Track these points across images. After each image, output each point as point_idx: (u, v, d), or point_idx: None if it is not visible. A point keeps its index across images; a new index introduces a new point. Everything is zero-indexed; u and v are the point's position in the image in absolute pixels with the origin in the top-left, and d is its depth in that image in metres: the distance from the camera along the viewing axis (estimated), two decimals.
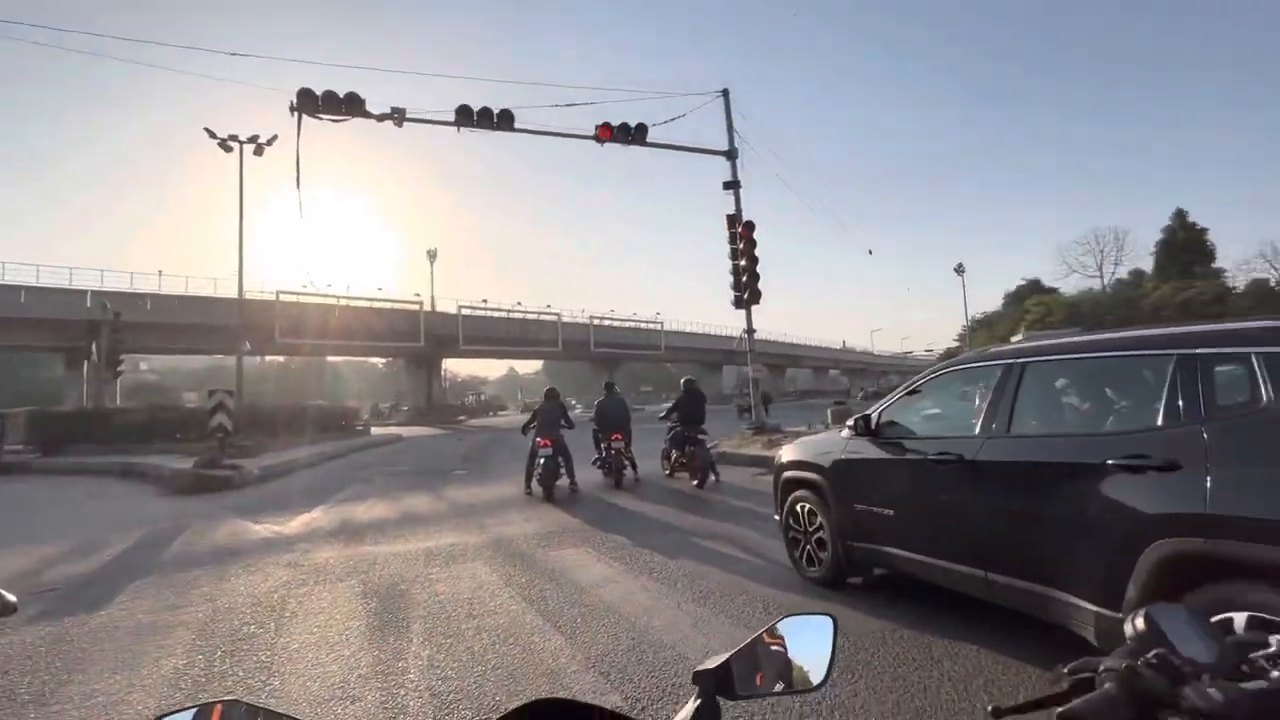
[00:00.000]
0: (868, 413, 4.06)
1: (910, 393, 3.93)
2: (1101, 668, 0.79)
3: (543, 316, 50.11)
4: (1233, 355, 2.37)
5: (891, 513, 3.73)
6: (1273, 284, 39.90)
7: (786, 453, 4.93)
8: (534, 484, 8.97)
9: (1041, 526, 2.85)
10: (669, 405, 10.73)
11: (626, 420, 10.05)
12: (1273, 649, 0.98)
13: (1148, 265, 47.51)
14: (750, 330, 13.52)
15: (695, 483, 9.09)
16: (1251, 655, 0.95)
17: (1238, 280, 42.05)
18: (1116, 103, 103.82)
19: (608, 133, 12.66)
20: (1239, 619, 2.16)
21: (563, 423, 9.41)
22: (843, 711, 2.69)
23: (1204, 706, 0.82)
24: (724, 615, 3.94)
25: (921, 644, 3.29)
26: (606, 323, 54.40)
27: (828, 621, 0.92)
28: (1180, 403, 2.45)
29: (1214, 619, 2.21)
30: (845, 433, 4.22)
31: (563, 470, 9.06)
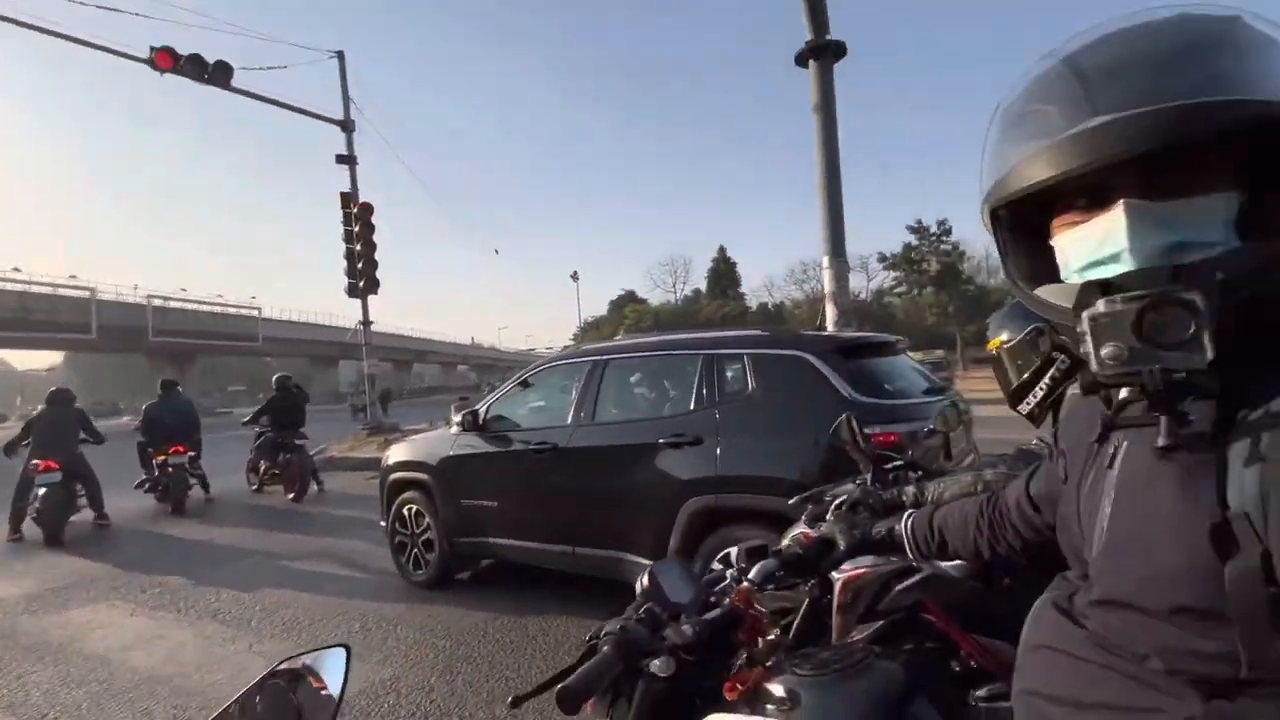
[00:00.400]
0: (475, 408, 4.10)
1: (521, 385, 4.12)
2: (604, 631, 0.88)
3: (62, 290, 36.37)
4: (734, 355, 3.16)
5: (496, 504, 3.85)
6: (770, 306, 56.85)
7: (394, 453, 4.62)
8: (25, 525, 6.38)
9: (614, 501, 3.32)
10: (256, 409, 8.95)
11: (193, 428, 8.02)
12: (726, 581, 1.28)
13: (704, 285, 62.10)
14: (366, 322, 12.39)
15: (291, 495, 7.82)
16: (715, 589, 1.23)
17: (752, 301, 58.60)
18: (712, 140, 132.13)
19: (169, 61, 9.78)
20: (734, 551, 2.90)
21: (83, 436, 6.93)
22: (439, 713, 2.62)
23: (678, 641, 1.00)
24: (315, 643, 3.43)
25: (519, 627, 3.48)
26: (175, 305, 42.81)
27: (340, 653, 0.81)
28: (705, 391, 3.17)
29: (719, 556, 2.92)
30: (454, 429, 4.18)
31: (82, 501, 6.67)
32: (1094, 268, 0.58)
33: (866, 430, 1.96)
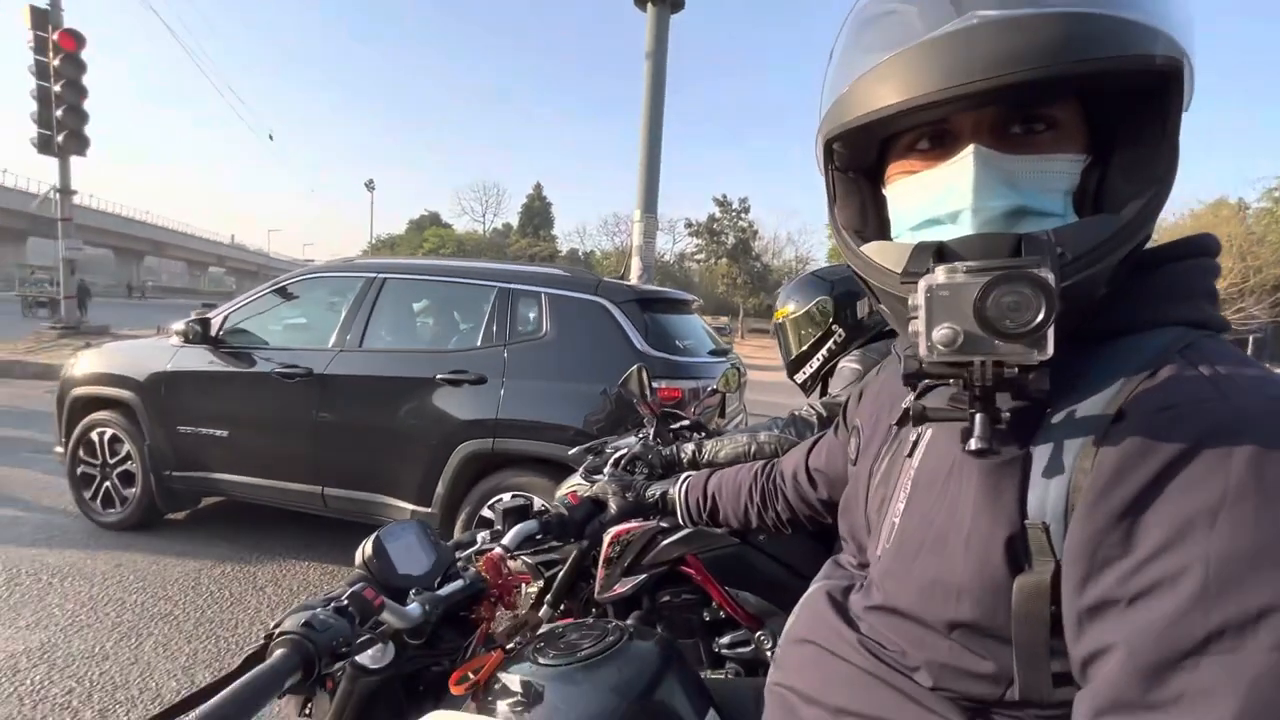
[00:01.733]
0: (207, 316, 3.33)
1: (277, 294, 3.41)
2: (279, 630, 0.65)
3: None
4: (531, 293, 2.94)
5: (226, 433, 3.19)
6: (580, 253, 56.81)
7: (83, 362, 3.59)
8: None
9: (376, 438, 2.94)
10: None
11: None
12: (476, 545, 1.12)
13: (516, 220, 59.60)
14: (64, 189, 9.44)
15: None
16: (459, 555, 1.05)
17: (564, 245, 57.94)
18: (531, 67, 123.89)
19: None
20: (505, 498, 2.76)
21: None
22: (112, 686, 2.09)
23: (400, 625, 0.80)
24: None
25: (244, 576, 2.96)
26: None
27: None
28: (495, 327, 2.91)
29: (490, 502, 2.75)
30: (175, 339, 3.35)
31: None
32: (929, 226, 0.51)
33: (655, 384, 1.94)
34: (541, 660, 0.76)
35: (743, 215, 40.90)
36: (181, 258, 67.43)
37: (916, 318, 0.45)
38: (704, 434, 1.67)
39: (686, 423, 1.72)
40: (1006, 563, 0.45)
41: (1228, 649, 0.34)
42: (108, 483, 3.42)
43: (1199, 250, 0.50)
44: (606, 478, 1.22)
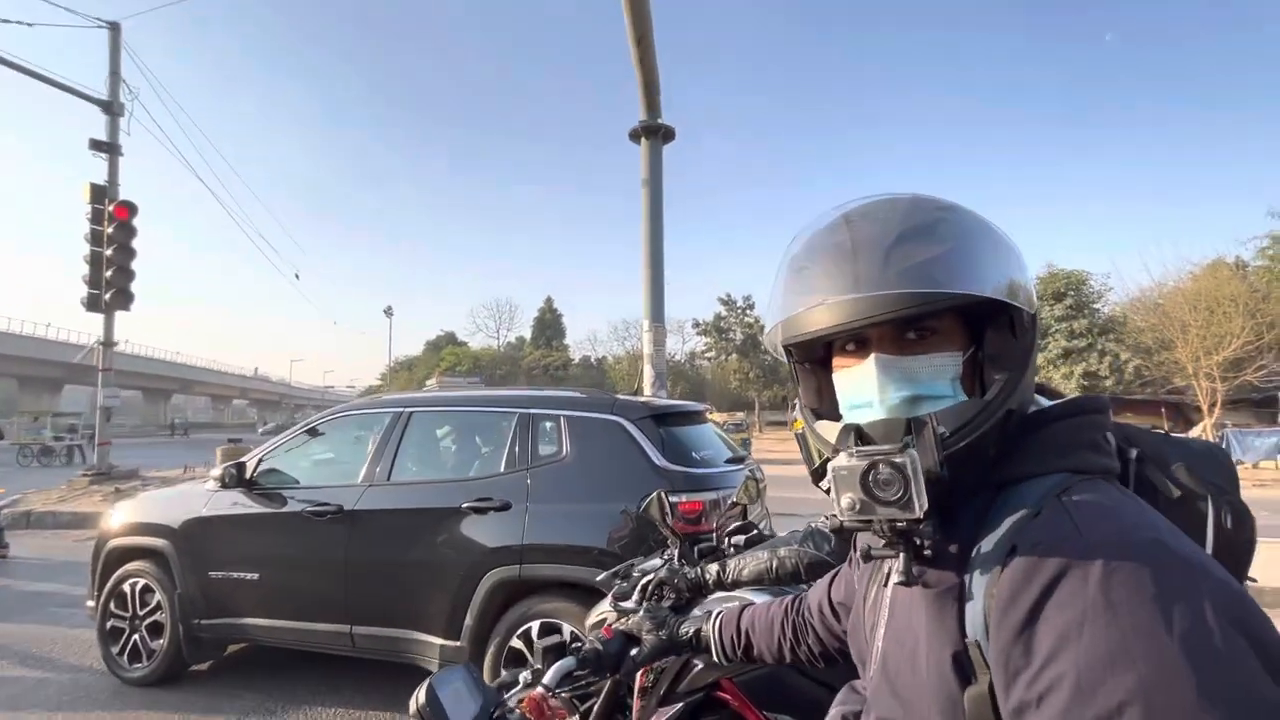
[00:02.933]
0: (241, 460, 3.46)
1: (308, 434, 3.58)
2: None
3: None
4: (550, 416, 3.08)
5: (257, 577, 3.22)
6: (593, 359, 58.04)
7: (120, 513, 3.70)
8: None
9: (405, 572, 2.96)
10: None
11: None
12: (519, 686, 1.16)
13: (529, 333, 61.50)
14: (108, 343, 10.06)
15: None
16: (505, 696, 1.09)
17: (575, 353, 59.31)
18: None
19: None
20: (535, 626, 2.73)
21: None
22: None
23: None
24: None
25: None
26: None
27: None
28: (517, 451, 3.02)
29: (518, 631, 2.72)
30: (210, 485, 3.48)
31: None
32: (856, 410, 0.67)
33: (674, 499, 2.01)
34: None
35: (748, 311, 41.95)
36: (207, 393, 69.57)
37: (833, 490, 0.60)
38: (730, 547, 1.70)
39: (710, 543, 1.76)
40: (956, 677, 0.55)
41: None
42: (136, 635, 3.41)
43: (1085, 409, 0.64)
44: (636, 608, 1.26)
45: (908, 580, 0.59)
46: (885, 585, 0.68)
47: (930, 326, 0.64)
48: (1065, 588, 0.49)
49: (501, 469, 3.00)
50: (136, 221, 9.95)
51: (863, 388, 0.65)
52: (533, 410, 3.10)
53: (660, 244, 7.27)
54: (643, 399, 3.36)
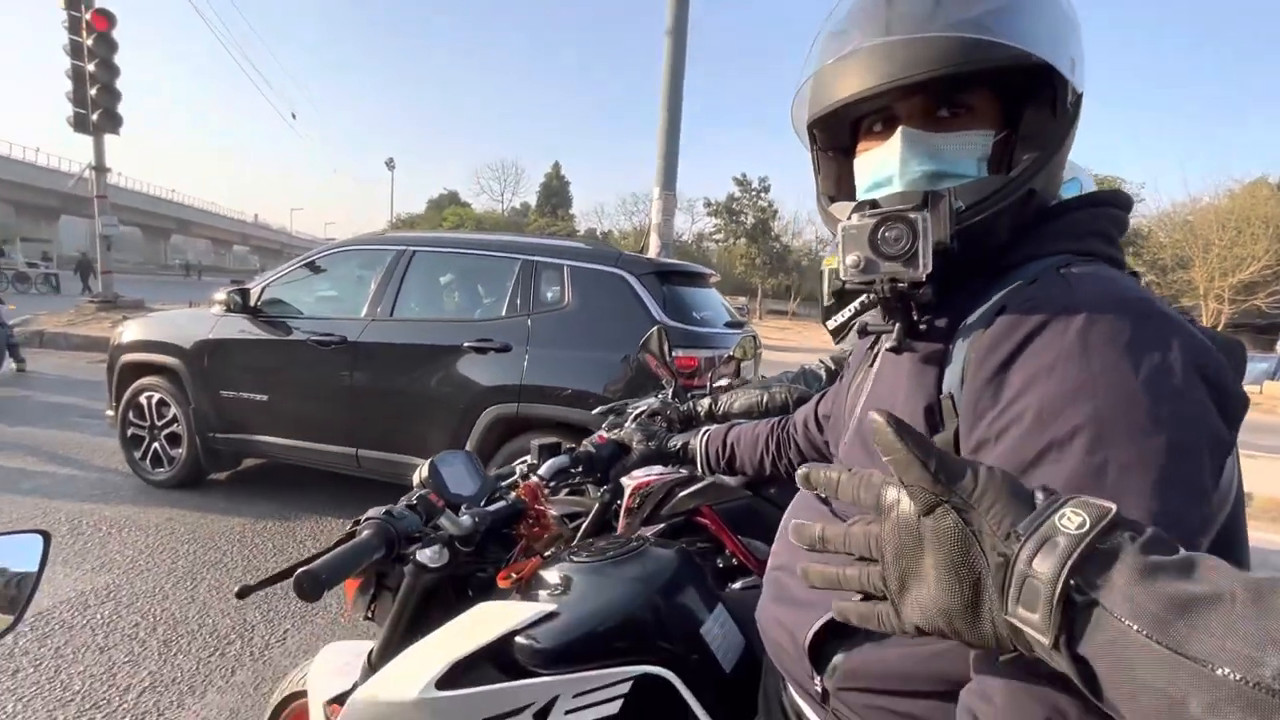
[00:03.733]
0: (246, 286, 3.49)
1: (308, 268, 3.58)
2: (365, 517, 0.78)
3: None
4: (554, 265, 3.06)
5: (266, 398, 3.38)
6: (598, 232, 56.85)
7: (131, 331, 3.79)
8: None
9: (408, 403, 3.10)
10: None
11: None
12: (515, 476, 1.25)
13: (534, 199, 59.64)
14: (99, 167, 9.73)
15: None
16: (502, 483, 1.18)
17: (581, 224, 58.02)
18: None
19: None
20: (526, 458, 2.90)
21: None
22: (171, 623, 2.29)
23: (454, 531, 0.94)
24: None
25: (285, 531, 3.16)
26: None
27: (37, 540, 0.64)
28: (519, 298, 3.04)
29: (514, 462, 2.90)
30: (216, 309, 3.53)
31: None
32: (874, 189, 0.65)
33: (673, 353, 2.05)
34: (575, 560, 0.88)
35: (762, 195, 40.45)
36: (207, 236, 68.54)
37: (838, 249, 0.60)
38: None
39: (702, 392, 1.81)
40: (926, 427, 0.57)
41: (1053, 460, 0.45)
42: (156, 444, 3.63)
43: (1103, 202, 0.63)
44: (628, 427, 1.33)
45: (899, 347, 0.61)
46: (871, 366, 0.70)
47: (965, 103, 0.61)
48: (1045, 336, 0.50)
49: (503, 313, 3.04)
50: (120, 38, 9.22)
51: (885, 163, 0.63)
52: (537, 258, 3.07)
53: (679, 102, 6.82)
54: (647, 257, 3.32)
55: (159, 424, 3.62)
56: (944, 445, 0.55)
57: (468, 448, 2.96)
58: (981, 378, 0.52)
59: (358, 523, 0.76)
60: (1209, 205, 23.01)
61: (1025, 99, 0.61)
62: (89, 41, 8.95)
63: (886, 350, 0.63)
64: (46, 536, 0.67)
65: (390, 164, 38.08)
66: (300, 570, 0.65)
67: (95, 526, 3.05)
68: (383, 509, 0.77)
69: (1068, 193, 0.68)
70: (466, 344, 2.97)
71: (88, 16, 8.91)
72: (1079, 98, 0.62)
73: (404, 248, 3.33)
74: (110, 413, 3.81)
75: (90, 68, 9.03)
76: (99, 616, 2.31)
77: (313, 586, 0.64)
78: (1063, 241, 0.60)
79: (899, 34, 0.57)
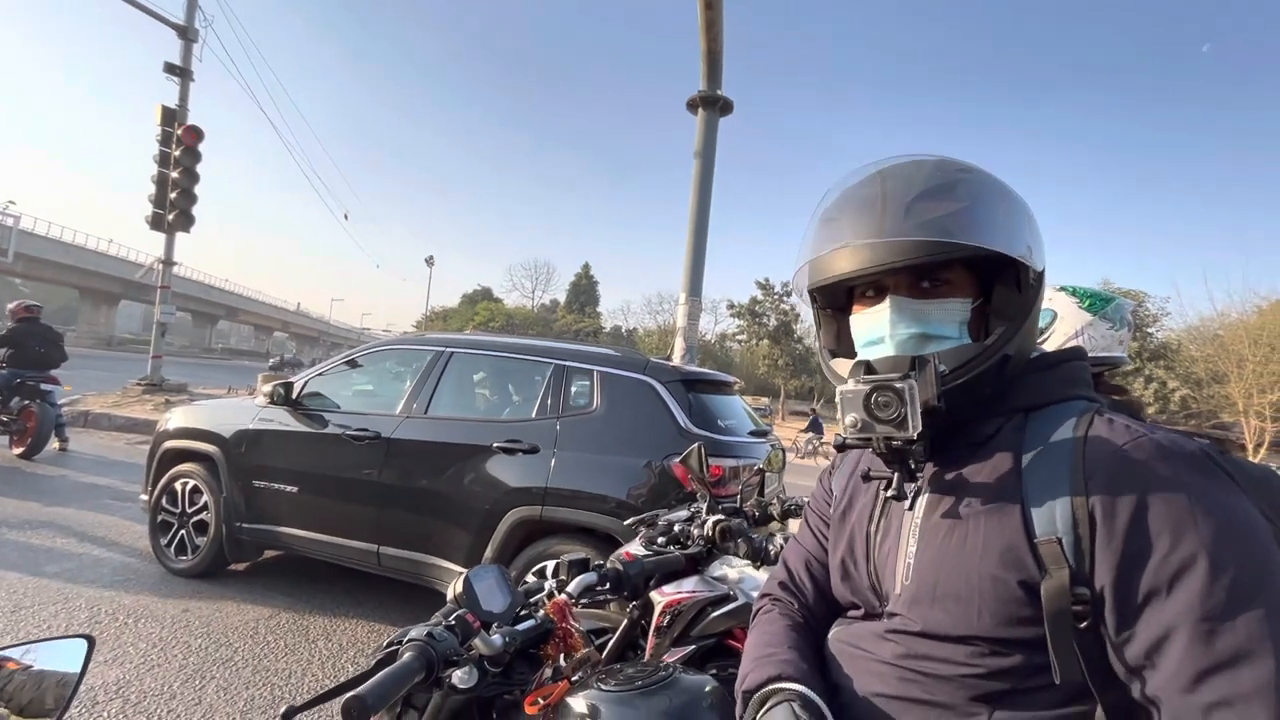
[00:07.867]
0: (290, 380, 3.67)
1: (348, 365, 3.76)
2: (408, 637, 0.81)
3: None
4: (584, 370, 3.17)
5: (296, 490, 3.44)
6: (624, 330, 58.29)
7: (176, 417, 3.96)
8: None
9: (433, 501, 3.13)
10: None
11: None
12: (543, 592, 1.26)
13: (564, 296, 61.92)
14: (168, 261, 10.53)
15: (18, 451, 6.34)
16: (530, 600, 1.20)
17: (608, 322, 59.62)
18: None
19: None
20: (550, 566, 2.87)
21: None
22: None
23: (486, 652, 0.95)
24: (17, 637, 2.77)
25: (298, 628, 3.11)
26: None
27: (81, 644, 0.69)
28: (549, 401, 3.13)
29: (534, 569, 2.87)
30: (260, 400, 3.69)
31: None
32: (869, 347, 0.75)
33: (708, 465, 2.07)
34: (603, 687, 0.89)
35: (784, 299, 41.41)
36: (251, 322, 71.97)
37: (839, 410, 0.69)
38: (745, 516, 1.75)
39: (735, 505, 1.81)
40: (1019, 575, 0.61)
41: (1245, 608, 0.52)
42: (183, 531, 3.68)
43: (1078, 356, 0.77)
44: (660, 550, 1.34)
45: (898, 496, 0.69)
46: (910, 509, 0.72)
47: (943, 277, 0.71)
48: (1158, 480, 0.57)
49: (533, 415, 3.12)
50: (201, 147, 10.28)
51: (877, 325, 0.73)
52: (568, 363, 3.20)
53: (706, 216, 7.25)
54: (673, 365, 3.43)
55: (189, 510, 3.68)
56: (1058, 592, 0.59)
57: (489, 550, 2.95)
58: (1121, 529, 0.58)
59: (397, 642, 0.79)
60: (1238, 320, 22.88)
61: (994, 276, 0.72)
62: (176, 153, 9.98)
63: (888, 497, 0.72)
64: (91, 641, 0.72)
65: (430, 261, 40.28)
66: (349, 696, 0.68)
67: (113, 615, 3.04)
68: (424, 628, 0.80)
69: (1043, 320, 0.79)
70: (495, 444, 3.04)
71: (179, 131, 9.99)
72: (1040, 274, 0.72)
73: (443, 349, 3.49)
74: (144, 496, 3.90)
75: (174, 175, 10.00)
76: (105, 715, 2.26)
77: (360, 713, 0.67)
78: (1070, 388, 0.71)
79: (880, 237, 0.69)
